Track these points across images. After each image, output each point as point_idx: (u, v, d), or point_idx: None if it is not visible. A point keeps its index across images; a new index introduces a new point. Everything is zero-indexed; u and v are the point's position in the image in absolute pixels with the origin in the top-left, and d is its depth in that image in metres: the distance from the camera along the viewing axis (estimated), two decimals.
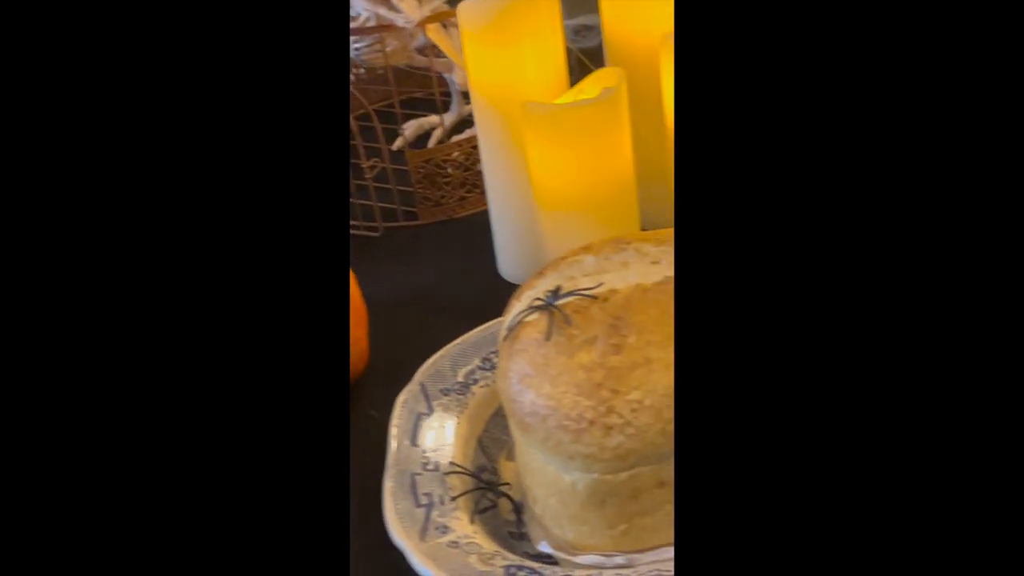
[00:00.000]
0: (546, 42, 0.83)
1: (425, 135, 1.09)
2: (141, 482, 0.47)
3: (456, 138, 1.03)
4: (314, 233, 0.48)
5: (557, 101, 0.80)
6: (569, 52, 1.12)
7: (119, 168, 0.47)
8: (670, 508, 0.66)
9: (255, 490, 0.47)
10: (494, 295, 0.82)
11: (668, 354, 0.64)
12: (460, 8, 0.83)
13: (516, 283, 0.88)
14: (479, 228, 0.95)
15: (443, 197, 1.00)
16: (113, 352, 0.47)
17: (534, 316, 0.68)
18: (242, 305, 0.48)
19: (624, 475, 0.64)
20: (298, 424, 0.48)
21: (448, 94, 1.11)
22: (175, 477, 0.47)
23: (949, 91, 0.45)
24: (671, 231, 0.73)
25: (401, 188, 1.01)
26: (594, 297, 0.67)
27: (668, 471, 0.65)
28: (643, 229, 0.86)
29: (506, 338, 0.69)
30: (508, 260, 0.93)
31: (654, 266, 0.69)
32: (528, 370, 0.66)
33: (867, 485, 0.44)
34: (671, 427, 0.63)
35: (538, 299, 0.69)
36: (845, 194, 0.45)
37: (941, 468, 0.44)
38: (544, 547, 0.68)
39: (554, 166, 0.80)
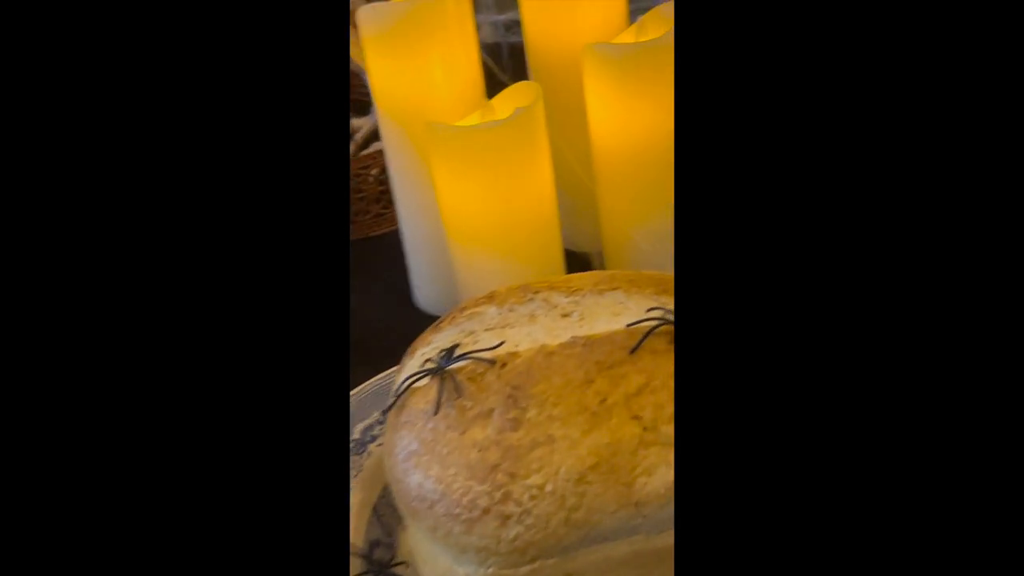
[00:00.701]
0: (456, 51, 0.73)
1: None
2: (133, 487, 0.44)
3: (376, 145, 0.93)
4: (315, 239, 0.45)
5: (465, 121, 0.70)
6: (499, 48, 1.02)
7: (107, 157, 0.44)
8: None
9: (252, 497, 0.44)
10: (410, 328, 0.73)
11: (573, 431, 0.55)
12: (360, 11, 0.73)
13: (434, 314, 0.79)
14: (397, 248, 0.86)
15: (357, 213, 0.91)
16: (106, 349, 0.44)
17: (424, 381, 0.59)
18: (250, 312, 0.45)
19: (524, 569, 0.56)
20: (297, 432, 0.45)
21: (368, 94, 1.01)
22: (172, 487, 0.44)
23: (951, 94, 0.42)
24: (586, 275, 0.65)
25: None
26: (491, 361, 0.58)
27: (574, 563, 0.56)
28: (568, 266, 0.77)
29: (392, 407, 0.60)
30: (424, 290, 0.84)
31: (564, 320, 0.60)
32: (415, 446, 0.58)
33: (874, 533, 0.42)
34: (576, 515, 0.55)
35: (430, 360, 0.60)
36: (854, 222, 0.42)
37: (949, 520, 0.41)
38: None
39: (464, 195, 0.71)
